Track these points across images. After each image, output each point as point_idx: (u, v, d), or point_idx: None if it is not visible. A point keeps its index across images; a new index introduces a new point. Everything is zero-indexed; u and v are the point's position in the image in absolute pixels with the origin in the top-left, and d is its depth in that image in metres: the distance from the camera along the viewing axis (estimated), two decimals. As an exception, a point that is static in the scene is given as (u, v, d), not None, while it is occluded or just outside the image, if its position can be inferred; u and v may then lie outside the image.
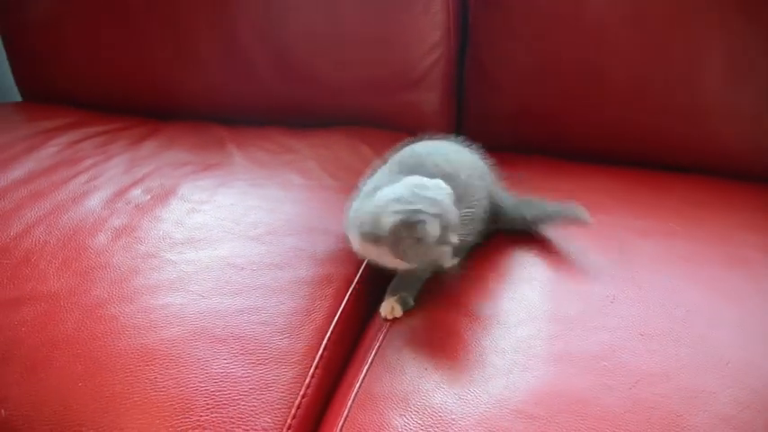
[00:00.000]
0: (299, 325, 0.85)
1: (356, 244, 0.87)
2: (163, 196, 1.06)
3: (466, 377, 0.76)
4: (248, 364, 0.79)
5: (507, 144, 1.32)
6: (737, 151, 1.19)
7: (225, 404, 0.75)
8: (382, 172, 0.94)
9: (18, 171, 1.12)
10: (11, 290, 0.88)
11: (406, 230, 0.79)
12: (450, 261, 0.84)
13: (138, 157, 1.19)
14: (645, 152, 1.24)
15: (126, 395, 0.75)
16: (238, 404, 0.75)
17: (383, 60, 1.29)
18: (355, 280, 0.95)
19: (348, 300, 0.92)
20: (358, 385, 0.80)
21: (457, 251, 0.85)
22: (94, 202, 1.05)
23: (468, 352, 0.80)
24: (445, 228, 0.80)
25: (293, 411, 0.77)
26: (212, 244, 0.95)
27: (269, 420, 0.75)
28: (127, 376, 0.76)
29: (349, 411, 0.77)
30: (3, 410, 0.75)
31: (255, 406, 0.76)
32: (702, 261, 0.94)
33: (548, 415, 0.71)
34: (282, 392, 0.78)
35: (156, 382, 0.76)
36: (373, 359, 0.83)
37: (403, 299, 0.88)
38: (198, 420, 0.73)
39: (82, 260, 0.92)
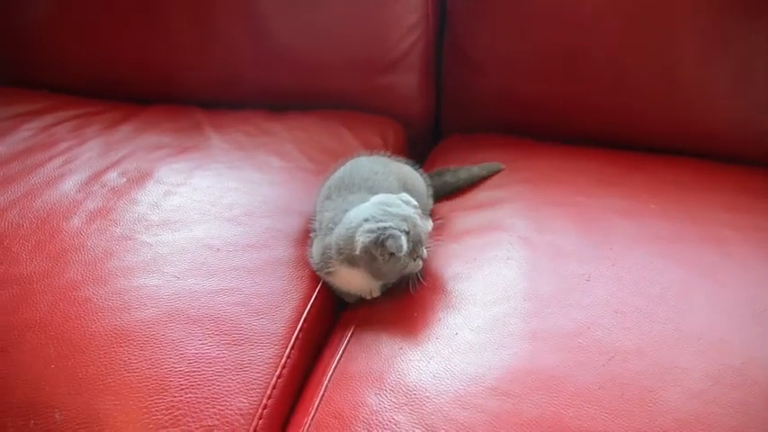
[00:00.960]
0: (276, 306, 0.85)
1: (335, 276, 0.88)
2: (139, 179, 1.05)
3: (441, 355, 0.77)
4: (223, 344, 0.79)
5: (487, 126, 1.32)
6: (716, 132, 1.19)
7: (200, 385, 0.74)
8: (328, 202, 0.93)
9: (-10, 155, 1.11)
10: (-18, 273, 0.86)
11: (379, 248, 0.80)
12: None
13: (114, 140, 1.18)
14: (626, 134, 1.24)
15: (100, 377, 0.74)
16: (213, 384, 0.75)
17: (361, 42, 1.28)
18: (332, 261, 0.94)
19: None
20: (334, 365, 0.80)
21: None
22: (69, 185, 1.03)
23: (444, 331, 0.80)
24: (416, 243, 0.83)
25: (269, 392, 0.77)
26: (188, 226, 0.95)
27: (244, 401, 0.75)
28: (101, 358, 0.76)
29: (325, 391, 0.77)
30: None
31: (231, 386, 0.75)
32: (679, 240, 0.94)
33: (522, 392, 0.71)
34: (258, 373, 0.78)
35: (131, 363, 0.75)
36: (349, 339, 0.83)
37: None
38: (172, 401, 0.72)
39: (55, 243, 0.91)
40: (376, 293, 0.88)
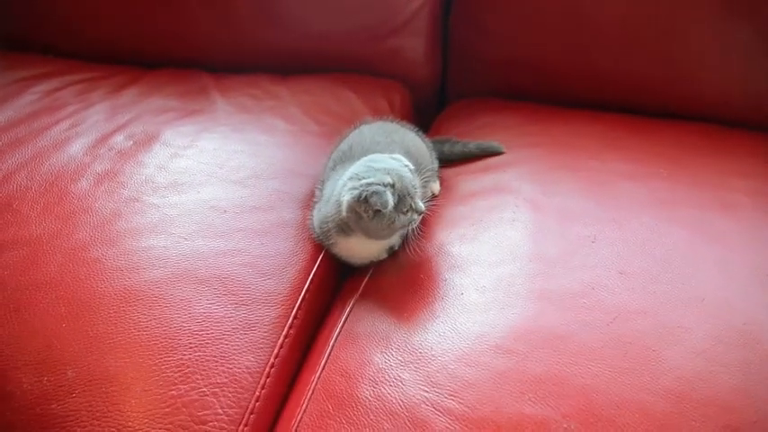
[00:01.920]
0: (282, 267, 0.86)
1: (337, 247, 0.88)
2: (145, 142, 1.05)
3: (446, 315, 0.77)
4: (231, 304, 0.80)
5: (494, 91, 1.31)
6: (728, 97, 1.18)
7: (208, 343, 0.75)
8: (332, 173, 0.92)
9: (-4, 119, 1.11)
10: (-7, 235, 0.87)
11: (363, 205, 0.78)
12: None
13: (120, 104, 1.18)
14: (635, 98, 1.23)
15: (110, 335, 0.75)
16: (221, 343, 0.76)
17: (367, 6, 1.26)
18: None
19: (331, 242, 0.92)
20: (340, 325, 0.81)
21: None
22: (76, 148, 1.03)
23: (449, 291, 0.81)
24: (404, 196, 0.80)
25: (276, 351, 0.78)
26: (195, 188, 0.95)
27: (252, 359, 0.76)
28: (110, 317, 0.77)
29: (331, 350, 0.78)
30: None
31: (239, 345, 0.76)
32: (687, 204, 0.94)
33: (526, 350, 0.72)
34: (265, 332, 0.79)
35: (140, 322, 0.76)
36: (356, 300, 0.84)
37: (387, 241, 0.88)
38: (182, 359, 0.74)
39: (64, 205, 0.91)
40: (383, 256, 0.88)
